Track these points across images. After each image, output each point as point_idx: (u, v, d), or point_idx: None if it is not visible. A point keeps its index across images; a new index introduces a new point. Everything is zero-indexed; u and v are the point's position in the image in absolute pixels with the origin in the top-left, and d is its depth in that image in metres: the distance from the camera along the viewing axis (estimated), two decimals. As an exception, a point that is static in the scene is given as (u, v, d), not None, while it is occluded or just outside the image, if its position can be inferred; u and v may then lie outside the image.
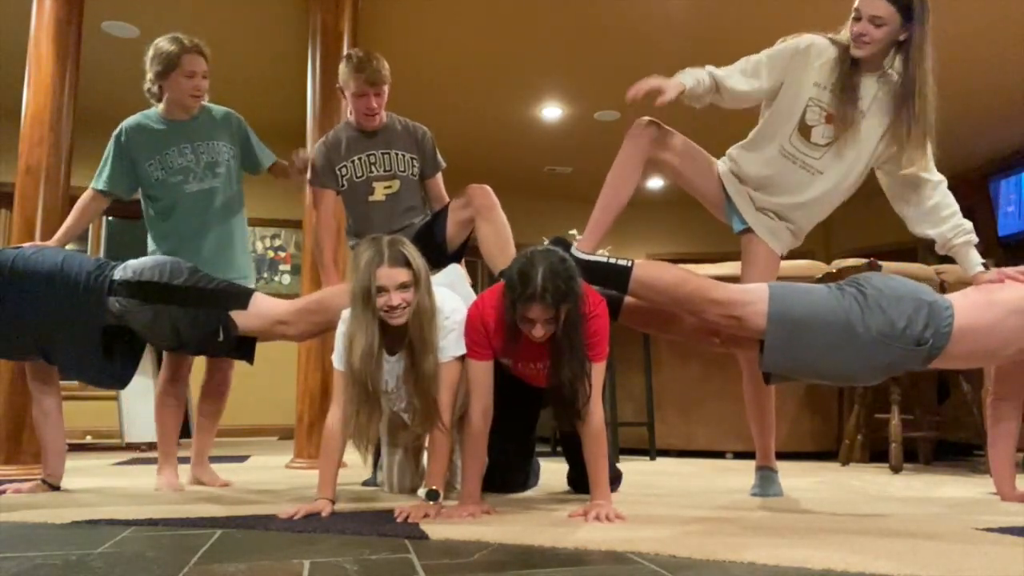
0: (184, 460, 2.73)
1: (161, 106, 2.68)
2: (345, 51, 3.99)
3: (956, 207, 2.21)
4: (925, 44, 2.17)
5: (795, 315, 1.90)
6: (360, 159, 2.70)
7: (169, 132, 2.65)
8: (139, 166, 2.64)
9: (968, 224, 2.19)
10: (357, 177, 2.71)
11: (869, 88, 2.22)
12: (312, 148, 2.86)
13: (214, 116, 2.75)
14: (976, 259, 2.16)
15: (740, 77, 2.25)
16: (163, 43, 2.61)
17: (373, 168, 2.70)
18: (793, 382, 2.30)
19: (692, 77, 2.22)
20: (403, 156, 2.73)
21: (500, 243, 2.50)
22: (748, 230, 2.33)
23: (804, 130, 2.22)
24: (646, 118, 2.32)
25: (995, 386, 2.27)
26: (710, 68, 2.25)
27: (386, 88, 2.68)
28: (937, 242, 2.22)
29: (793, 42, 2.27)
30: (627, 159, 2.31)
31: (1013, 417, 2.25)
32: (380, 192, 2.71)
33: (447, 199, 2.76)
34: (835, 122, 2.20)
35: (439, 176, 2.86)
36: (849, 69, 2.19)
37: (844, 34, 2.23)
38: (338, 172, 2.71)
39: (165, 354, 2.69)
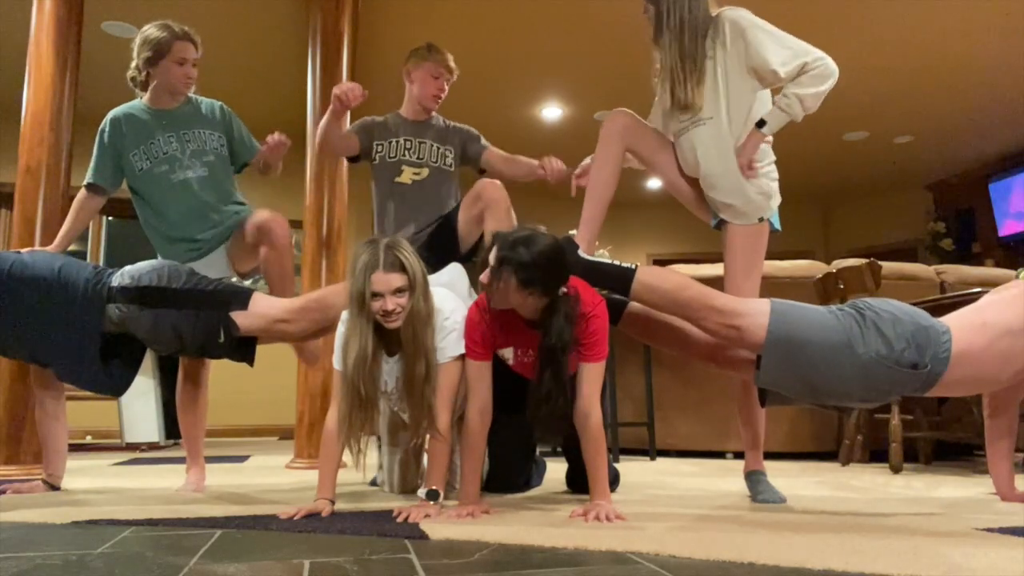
0: (180, 460, 2.73)
1: (146, 96, 2.67)
2: (345, 51, 4.01)
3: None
4: None
5: (795, 329, 1.89)
6: (397, 141, 2.89)
7: (154, 121, 2.64)
8: (124, 157, 2.63)
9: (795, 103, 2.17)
10: (390, 157, 2.88)
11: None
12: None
13: (200, 107, 2.73)
14: (772, 121, 2.17)
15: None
16: (153, 30, 2.60)
17: (407, 153, 2.88)
18: (788, 406, 2.29)
19: None
20: (436, 147, 2.91)
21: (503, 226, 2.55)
22: (723, 222, 2.34)
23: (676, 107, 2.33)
24: (620, 109, 2.39)
25: (988, 403, 2.27)
26: None
27: (452, 62, 2.93)
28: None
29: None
30: (604, 150, 2.35)
31: (1009, 432, 2.26)
32: (408, 175, 2.86)
33: (511, 156, 2.98)
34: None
35: (488, 151, 3.01)
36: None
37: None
38: (374, 147, 2.90)
39: (180, 357, 2.68)
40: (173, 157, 2.62)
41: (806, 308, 1.96)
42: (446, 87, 2.94)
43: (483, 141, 3.03)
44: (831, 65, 2.15)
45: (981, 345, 1.88)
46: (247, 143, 2.79)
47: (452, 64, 2.93)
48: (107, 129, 2.65)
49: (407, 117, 2.96)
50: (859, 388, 1.89)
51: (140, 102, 2.69)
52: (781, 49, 2.18)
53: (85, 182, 2.67)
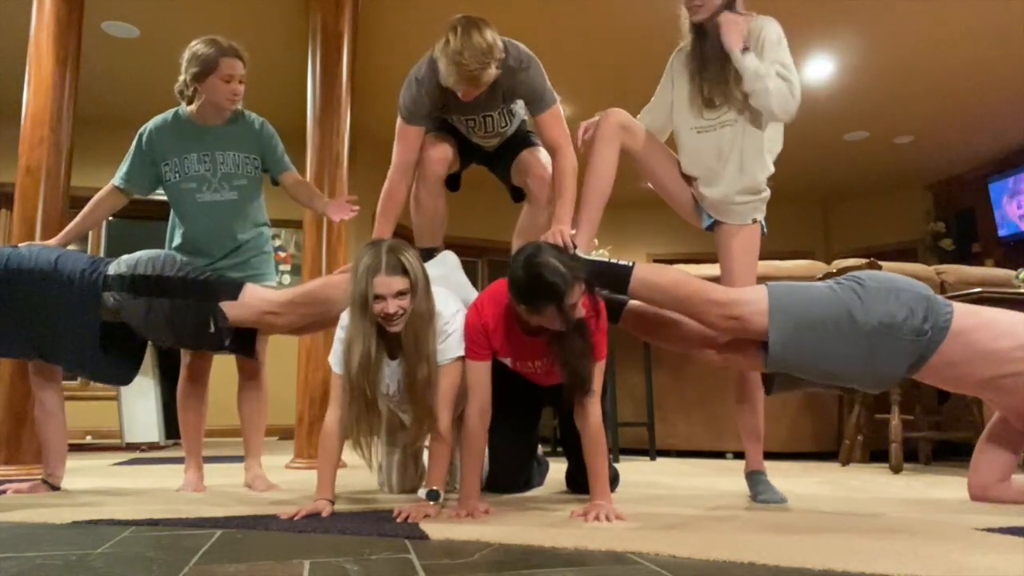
0: (181, 460, 2.74)
1: (192, 108, 2.61)
2: (345, 51, 4.00)
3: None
4: None
5: (796, 310, 1.90)
6: (459, 120, 2.50)
7: (193, 136, 2.59)
8: (158, 166, 2.61)
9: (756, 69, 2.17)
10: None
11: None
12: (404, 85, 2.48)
13: (244, 124, 2.67)
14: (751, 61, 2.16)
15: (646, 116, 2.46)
16: (200, 46, 2.54)
17: (473, 132, 2.52)
18: (793, 392, 2.28)
19: None
20: (501, 114, 2.47)
21: (532, 236, 2.47)
22: (716, 223, 2.34)
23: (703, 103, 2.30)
24: (613, 108, 2.37)
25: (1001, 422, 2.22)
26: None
27: (489, 72, 2.23)
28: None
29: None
30: (599, 149, 2.33)
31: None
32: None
33: (555, 142, 2.35)
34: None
35: (547, 114, 2.36)
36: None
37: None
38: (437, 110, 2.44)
39: (182, 354, 2.69)
40: (203, 178, 2.59)
41: (803, 287, 1.97)
42: (473, 90, 2.28)
43: (544, 101, 2.36)
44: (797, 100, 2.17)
45: (979, 333, 1.89)
46: (279, 162, 2.73)
47: (478, 76, 2.24)
48: (145, 136, 2.61)
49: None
50: (864, 363, 1.87)
51: (184, 112, 2.62)
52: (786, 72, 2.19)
53: (114, 183, 2.62)
